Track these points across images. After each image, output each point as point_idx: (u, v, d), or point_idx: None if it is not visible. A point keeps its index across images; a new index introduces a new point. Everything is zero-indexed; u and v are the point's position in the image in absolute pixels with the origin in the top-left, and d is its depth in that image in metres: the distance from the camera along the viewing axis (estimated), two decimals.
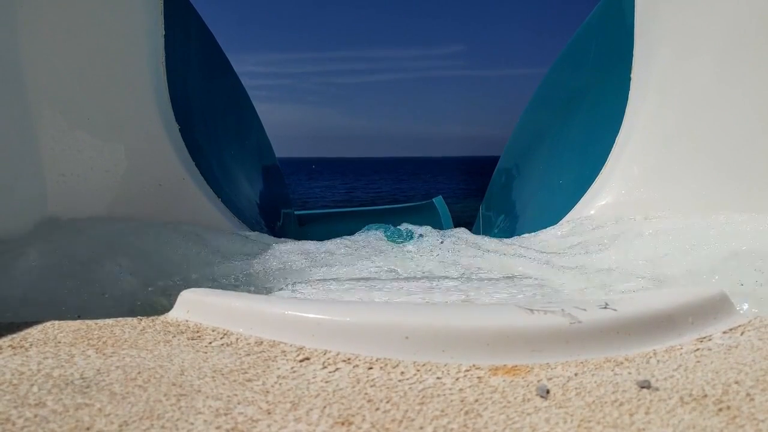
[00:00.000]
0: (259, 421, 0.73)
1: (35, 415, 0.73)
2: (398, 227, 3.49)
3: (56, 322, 1.11)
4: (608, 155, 2.74)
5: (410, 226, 3.35)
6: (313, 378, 0.88)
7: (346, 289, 1.80)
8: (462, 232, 2.96)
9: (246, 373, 0.89)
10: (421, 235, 3.05)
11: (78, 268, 1.78)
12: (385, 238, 3.16)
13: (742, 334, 1.04)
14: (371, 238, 3.15)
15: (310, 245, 2.65)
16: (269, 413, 0.76)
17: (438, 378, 0.88)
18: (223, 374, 0.88)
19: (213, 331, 1.09)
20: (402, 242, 2.96)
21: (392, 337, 0.97)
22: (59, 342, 1.01)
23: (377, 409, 0.77)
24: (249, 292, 1.91)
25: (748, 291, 1.55)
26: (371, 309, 1.12)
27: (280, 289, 1.93)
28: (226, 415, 0.75)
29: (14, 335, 1.03)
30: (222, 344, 1.02)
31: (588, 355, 0.95)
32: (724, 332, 1.05)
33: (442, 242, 2.71)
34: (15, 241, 1.82)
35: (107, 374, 0.86)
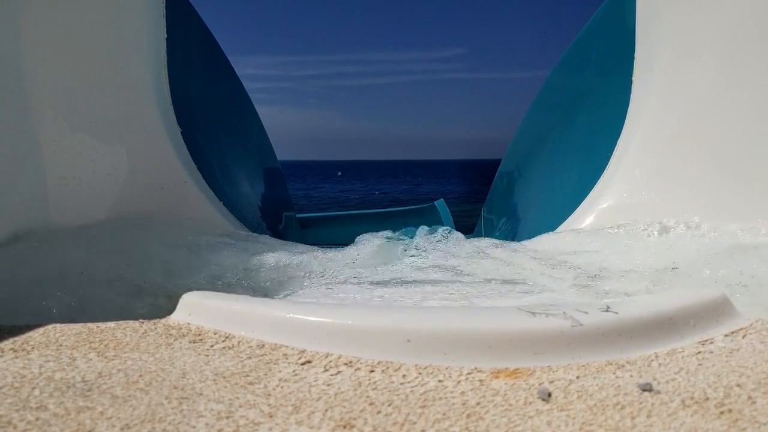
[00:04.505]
0: (261, 425, 0.73)
1: (37, 419, 0.73)
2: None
3: (58, 325, 1.12)
4: (610, 158, 2.74)
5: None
6: (315, 381, 0.88)
7: (349, 290, 1.80)
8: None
9: (248, 376, 0.89)
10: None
11: (79, 271, 1.78)
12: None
13: (743, 337, 1.04)
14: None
15: (312, 247, 2.65)
16: (271, 416, 0.76)
17: (440, 381, 0.87)
18: (224, 377, 0.88)
19: (215, 334, 1.09)
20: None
21: (394, 340, 0.97)
22: (61, 345, 1.01)
23: (379, 412, 0.77)
24: (251, 294, 1.91)
25: (750, 293, 1.55)
26: (373, 312, 1.12)
27: (282, 292, 1.93)
28: (227, 418, 0.75)
29: (16, 338, 1.03)
30: (223, 347, 1.02)
31: (589, 358, 0.95)
32: (726, 335, 1.05)
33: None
34: (16, 244, 1.82)
35: (109, 377, 0.87)
